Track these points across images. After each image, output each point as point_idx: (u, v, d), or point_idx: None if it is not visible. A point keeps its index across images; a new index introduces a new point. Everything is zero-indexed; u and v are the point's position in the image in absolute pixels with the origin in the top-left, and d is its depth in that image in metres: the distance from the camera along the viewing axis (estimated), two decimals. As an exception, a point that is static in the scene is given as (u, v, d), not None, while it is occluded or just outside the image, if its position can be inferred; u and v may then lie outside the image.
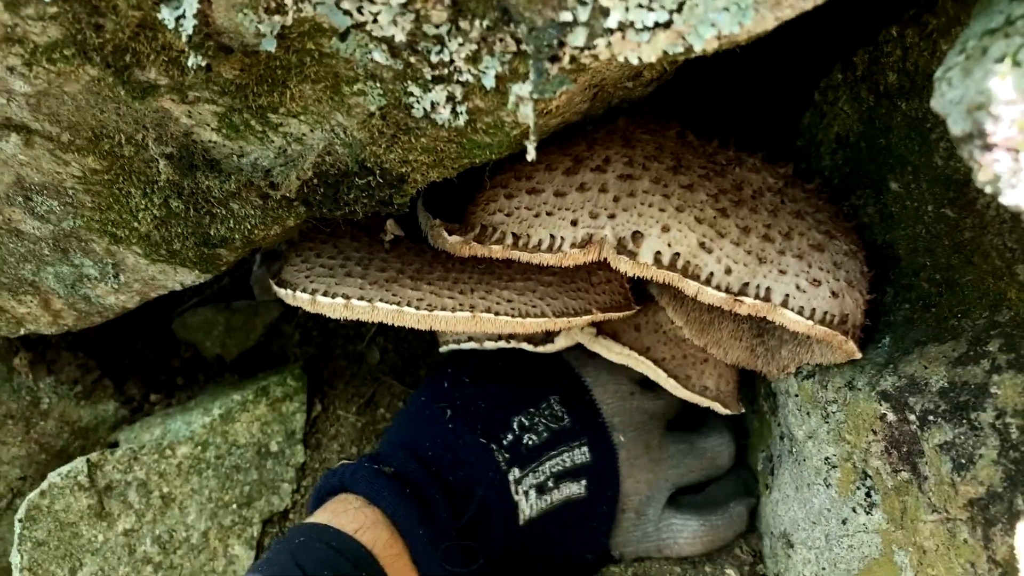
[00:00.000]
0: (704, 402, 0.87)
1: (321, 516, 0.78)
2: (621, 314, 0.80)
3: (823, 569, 0.79)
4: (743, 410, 0.90)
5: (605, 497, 0.92)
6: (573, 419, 0.92)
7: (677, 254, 0.68)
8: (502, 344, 0.91)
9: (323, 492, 0.82)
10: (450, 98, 0.57)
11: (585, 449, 0.91)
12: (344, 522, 0.76)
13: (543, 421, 0.91)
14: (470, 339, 0.93)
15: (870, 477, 0.73)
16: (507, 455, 0.87)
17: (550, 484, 0.89)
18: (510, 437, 0.89)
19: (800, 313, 0.69)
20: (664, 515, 0.93)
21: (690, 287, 0.68)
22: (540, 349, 0.90)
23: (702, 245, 0.68)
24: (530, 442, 0.89)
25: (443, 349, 0.97)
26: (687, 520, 0.92)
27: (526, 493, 0.87)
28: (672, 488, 0.95)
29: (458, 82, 0.55)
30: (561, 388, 0.94)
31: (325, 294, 0.74)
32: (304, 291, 0.76)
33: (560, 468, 0.90)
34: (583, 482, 0.90)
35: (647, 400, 0.96)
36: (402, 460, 0.83)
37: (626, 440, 0.94)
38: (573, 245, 0.69)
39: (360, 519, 0.76)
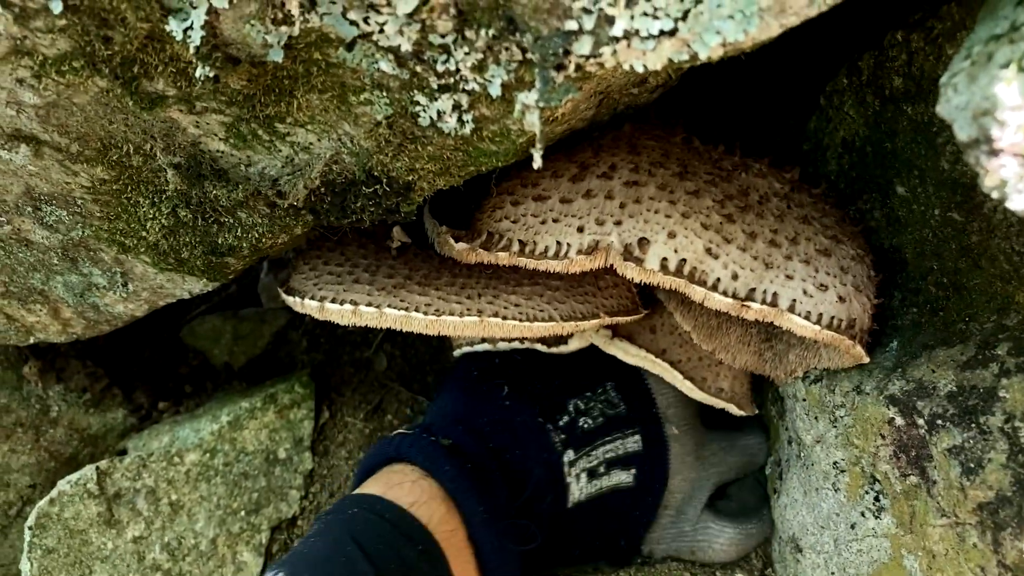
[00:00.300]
0: (719, 404, 0.87)
1: (373, 487, 0.76)
2: (629, 318, 0.80)
3: (832, 573, 0.79)
4: (757, 411, 0.90)
5: (653, 489, 0.91)
6: (628, 407, 0.91)
7: (684, 260, 0.68)
8: (515, 344, 0.91)
9: (375, 461, 0.80)
10: (456, 107, 0.57)
11: (638, 438, 0.90)
12: (399, 494, 0.74)
13: (598, 406, 0.90)
14: (483, 340, 0.93)
15: (879, 481, 0.73)
16: (563, 436, 0.86)
17: (601, 470, 0.88)
18: (566, 419, 0.88)
19: (807, 318, 0.69)
20: (702, 517, 0.92)
21: (697, 293, 0.68)
22: (554, 350, 0.90)
23: (708, 251, 0.68)
24: (585, 425, 0.88)
25: (456, 353, 0.97)
26: (724, 527, 0.92)
27: (577, 476, 0.86)
28: (713, 488, 0.94)
29: (464, 91, 0.55)
30: (617, 374, 0.93)
31: (333, 301, 0.75)
32: (312, 298, 0.76)
33: (613, 455, 0.89)
34: (632, 471, 0.90)
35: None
36: (460, 434, 0.82)
37: (679, 433, 0.93)
38: (579, 252, 0.69)
39: (416, 492, 0.74)
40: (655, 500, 0.92)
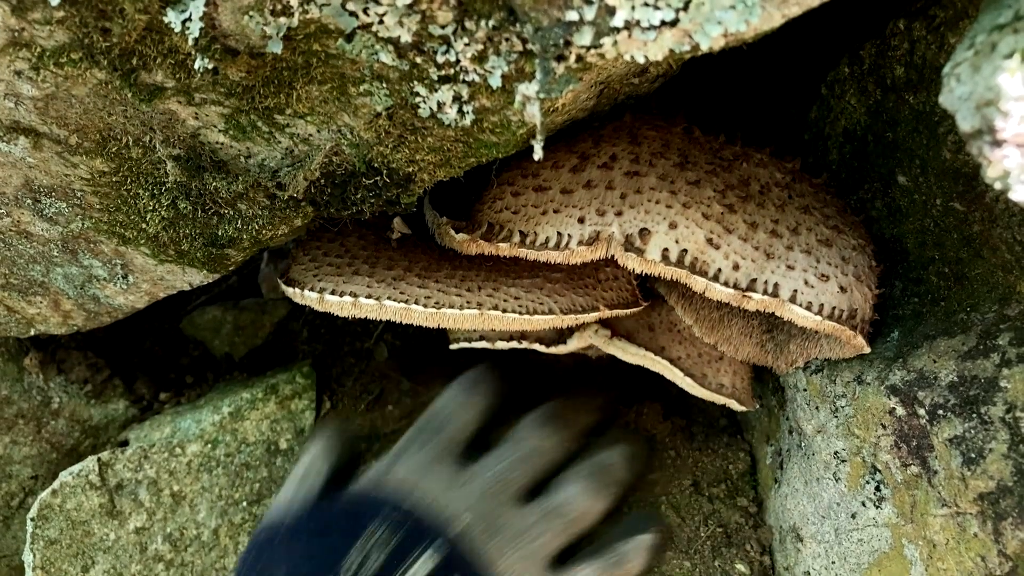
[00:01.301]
0: (720, 400, 0.87)
1: None
2: (629, 311, 0.80)
3: (833, 563, 0.79)
4: (758, 407, 0.90)
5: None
6: (405, 534, 0.82)
7: (685, 250, 0.68)
8: (514, 344, 0.91)
9: None
10: (456, 98, 0.57)
11: (429, 551, 0.81)
12: None
13: (374, 550, 0.81)
14: (481, 338, 0.93)
15: (879, 471, 0.73)
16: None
17: None
18: (352, 563, 0.79)
19: (808, 308, 0.69)
20: None
21: (698, 284, 0.68)
22: (552, 350, 0.90)
23: (709, 241, 0.68)
24: (374, 561, 0.79)
25: (454, 347, 0.97)
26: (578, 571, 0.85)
27: None
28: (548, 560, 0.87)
29: (464, 82, 0.55)
30: (379, 517, 0.84)
31: (333, 292, 0.75)
32: (312, 290, 0.76)
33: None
34: None
35: (475, 471, 0.90)
36: None
37: (468, 528, 0.85)
38: (580, 243, 0.69)
39: None
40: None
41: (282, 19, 0.53)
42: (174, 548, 0.96)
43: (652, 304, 0.87)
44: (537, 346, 0.90)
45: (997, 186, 0.44)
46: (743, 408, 0.88)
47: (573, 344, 0.89)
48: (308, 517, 0.86)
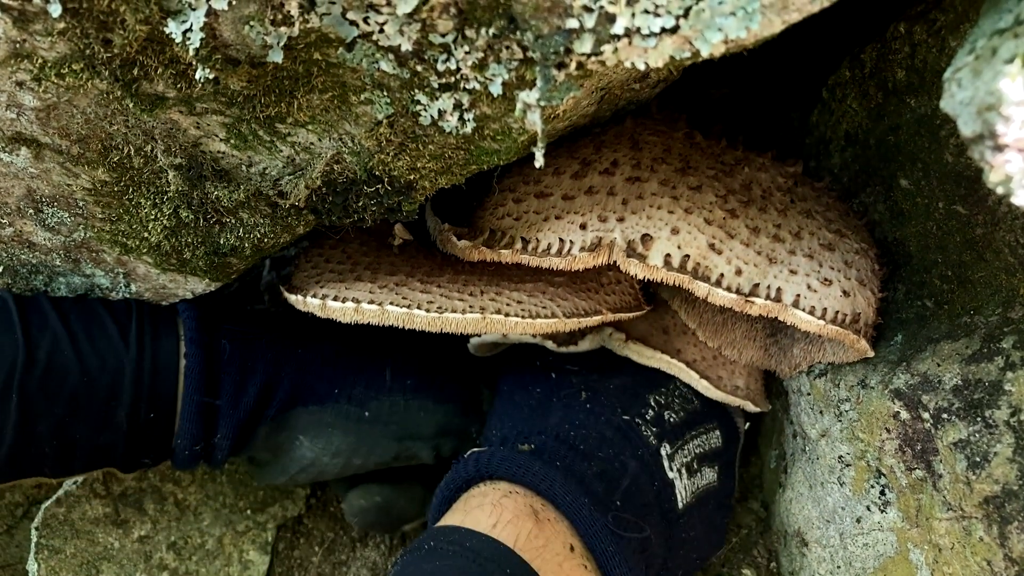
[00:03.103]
0: (735, 401, 0.87)
1: (452, 517, 0.71)
2: (632, 315, 0.80)
3: (838, 567, 0.79)
4: (770, 407, 0.90)
5: (730, 489, 0.87)
6: (702, 402, 0.87)
7: (687, 256, 0.68)
8: (526, 339, 0.90)
9: (453, 487, 0.74)
10: (457, 106, 0.57)
11: (717, 434, 0.86)
12: (479, 518, 0.68)
13: (676, 400, 0.85)
14: None
15: (884, 475, 0.73)
16: (654, 429, 0.80)
17: (695, 466, 0.82)
18: (651, 412, 0.82)
19: (811, 313, 0.68)
20: None
21: (701, 289, 0.68)
22: (563, 350, 0.90)
23: (712, 246, 0.68)
24: (671, 418, 0.82)
25: (474, 342, 0.96)
26: None
27: (679, 472, 0.80)
28: None
29: (465, 90, 0.55)
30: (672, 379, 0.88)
31: (335, 299, 0.75)
32: (314, 296, 0.76)
33: (701, 450, 0.83)
34: (716, 468, 0.85)
35: None
36: (543, 441, 0.76)
37: (746, 431, 0.89)
38: (582, 249, 0.69)
39: (497, 512, 0.68)
40: (731, 502, 0.87)
41: (283, 29, 0.53)
42: (178, 556, 0.96)
43: (666, 307, 0.87)
44: (549, 344, 0.90)
45: (999, 191, 0.44)
46: (757, 409, 0.88)
47: (585, 345, 0.89)
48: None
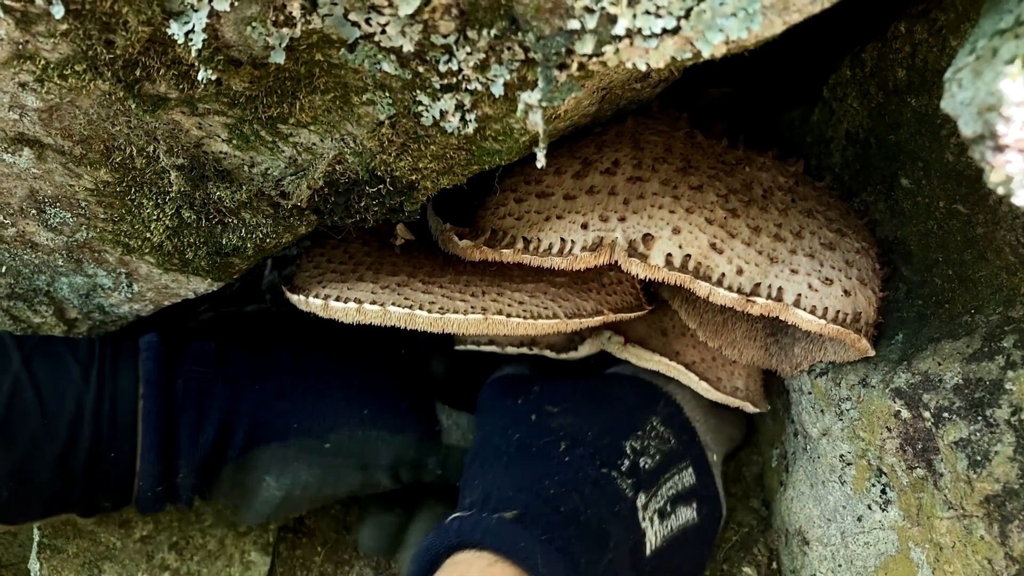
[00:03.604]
0: (735, 403, 0.87)
1: None
2: (633, 315, 0.80)
3: (839, 566, 0.79)
4: (770, 407, 0.90)
5: (713, 521, 0.87)
6: (677, 440, 0.86)
7: (688, 256, 0.68)
8: (524, 350, 0.91)
9: (434, 553, 0.72)
10: (459, 106, 0.57)
11: (690, 471, 0.85)
12: None
13: (652, 443, 0.84)
14: (491, 342, 0.93)
15: (885, 474, 0.73)
16: (630, 480, 0.80)
17: (668, 508, 0.82)
18: (627, 462, 0.81)
19: (812, 312, 0.69)
20: None
21: (702, 288, 0.68)
22: (563, 356, 0.90)
23: (713, 246, 0.68)
24: (646, 465, 0.82)
25: (459, 347, 0.97)
26: None
27: (651, 520, 0.80)
28: None
29: (467, 90, 0.55)
30: (657, 409, 0.88)
31: (337, 299, 0.75)
32: (316, 296, 0.76)
33: (674, 491, 0.83)
34: (694, 505, 0.84)
35: (724, 417, 0.94)
36: (526, 503, 0.75)
37: (717, 460, 0.89)
38: (584, 248, 0.69)
39: None
40: (715, 534, 0.87)
41: (285, 30, 0.53)
42: (180, 556, 0.96)
43: (664, 309, 0.87)
44: (547, 353, 0.90)
45: (1000, 191, 0.44)
46: (756, 409, 0.88)
47: (584, 350, 0.89)
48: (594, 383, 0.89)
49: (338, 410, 0.88)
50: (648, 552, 0.79)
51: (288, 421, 0.86)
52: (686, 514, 0.83)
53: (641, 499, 0.79)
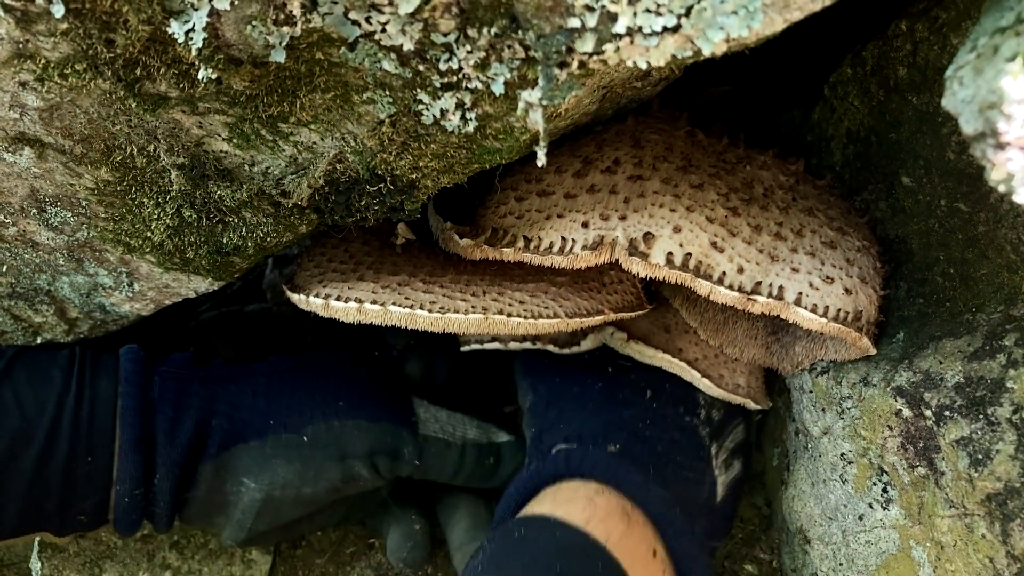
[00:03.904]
0: (737, 400, 0.87)
1: (540, 506, 0.71)
2: (634, 314, 0.80)
3: (840, 565, 0.79)
4: (771, 404, 0.90)
5: (748, 474, 0.90)
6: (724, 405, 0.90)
7: (689, 254, 0.68)
8: (527, 345, 0.91)
9: (538, 481, 0.74)
10: (459, 105, 0.57)
11: (742, 426, 0.89)
12: (571, 512, 0.68)
13: (715, 398, 0.88)
14: (494, 339, 0.93)
15: (886, 473, 0.73)
16: (707, 429, 0.84)
17: (729, 460, 0.86)
18: (703, 412, 0.85)
19: (813, 311, 0.68)
20: None
21: (703, 287, 0.68)
22: (566, 351, 0.90)
23: (714, 245, 0.68)
24: (716, 416, 0.86)
25: (464, 348, 0.97)
26: None
27: (720, 469, 0.83)
28: None
29: (467, 89, 0.55)
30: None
31: (338, 299, 0.75)
32: (317, 296, 0.76)
33: (733, 444, 0.87)
34: (742, 460, 0.88)
35: None
36: (624, 439, 0.77)
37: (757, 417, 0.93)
38: (584, 247, 0.69)
39: (590, 509, 0.69)
40: (744, 488, 0.91)
41: (285, 28, 0.53)
42: (181, 555, 0.96)
43: (667, 306, 0.87)
44: (550, 347, 0.90)
45: (1001, 189, 0.44)
46: (758, 407, 0.88)
47: (587, 345, 0.89)
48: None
49: (314, 404, 0.88)
50: (717, 499, 0.82)
51: (265, 418, 0.86)
52: (736, 467, 0.87)
53: (714, 447, 0.83)
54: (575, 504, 0.69)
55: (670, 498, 0.73)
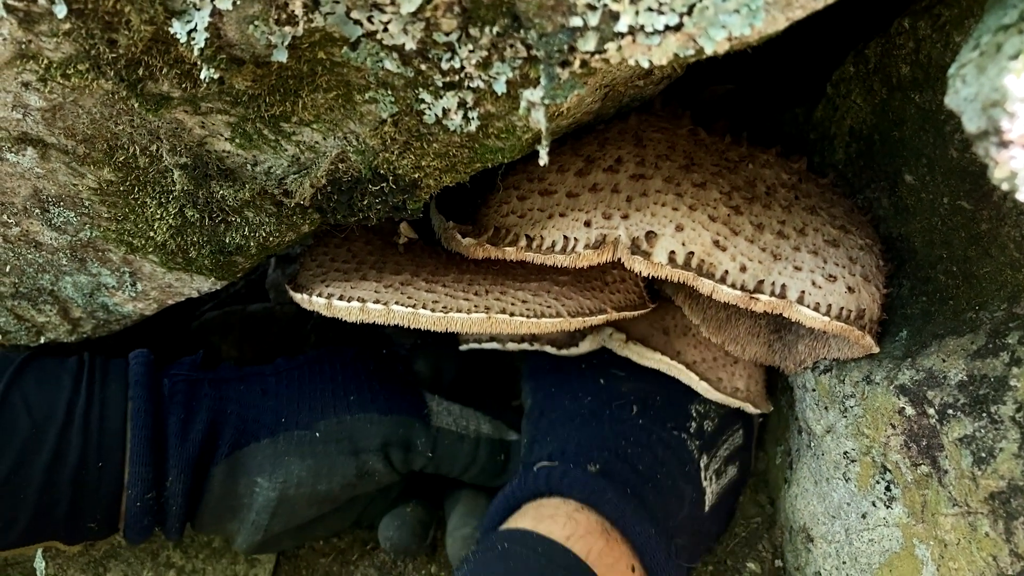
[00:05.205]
0: (735, 403, 0.87)
1: (522, 520, 0.73)
2: (636, 313, 0.80)
3: (843, 563, 0.79)
4: (771, 408, 0.90)
5: (747, 473, 0.92)
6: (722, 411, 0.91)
7: (691, 253, 0.68)
8: (525, 346, 0.91)
9: (519, 497, 0.76)
10: (462, 104, 0.57)
11: (741, 432, 0.90)
12: (552, 528, 0.70)
13: (712, 407, 0.89)
14: (492, 339, 0.93)
15: (889, 471, 0.73)
16: (697, 442, 0.85)
17: (722, 468, 0.87)
18: (694, 425, 0.86)
19: (816, 309, 0.68)
20: None
21: (705, 286, 0.68)
22: (564, 352, 0.90)
23: (716, 243, 0.68)
24: (708, 428, 0.87)
25: (463, 347, 0.97)
26: None
27: (710, 479, 0.85)
28: None
29: (469, 88, 0.55)
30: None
31: (341, 298, 0.75)
32: (320, 295, 0.76)
33: (727, 451, 0.88)
34: (738, 464, 0.89)
35: None
36: (605, 459, 0.79)
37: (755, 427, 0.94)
38: (587, 246, 0.69)
39: (571, 526, 0.71)
40: (743, 487, 0.93)
41: (287, 28, 0.53)
42: (185, 555, 0.96)
43: (666, 308, 0.87)
44: (548, 348, 0.90)
45: (1004, 187, 0.44)
46: (758, 410, 0.88)
47: (585, 346, 0.89)
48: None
49: (325, 399, 0.88)
50: (706, 509, 0.83)
51: (276, 416, 0.86)
52: (732, 471, 0.88)
53: (704, 459, 0.84)
54: (556, 521, 0.71)
55: (647, 516, 0.74)
